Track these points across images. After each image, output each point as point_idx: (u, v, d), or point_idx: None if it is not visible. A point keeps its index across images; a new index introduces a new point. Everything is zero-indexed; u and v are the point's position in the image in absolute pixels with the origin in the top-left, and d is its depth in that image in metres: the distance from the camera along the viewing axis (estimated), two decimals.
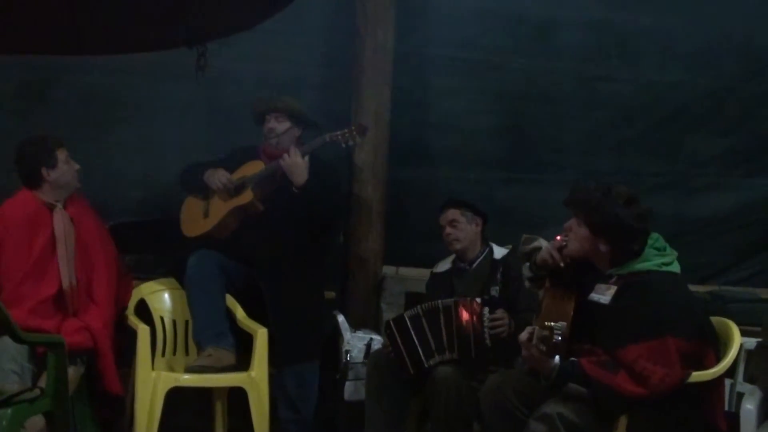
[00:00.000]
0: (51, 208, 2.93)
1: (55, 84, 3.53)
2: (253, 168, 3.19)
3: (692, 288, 2.49)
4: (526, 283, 2.56)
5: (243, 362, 2.96)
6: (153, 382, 2.82)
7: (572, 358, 2.21)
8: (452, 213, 3.03)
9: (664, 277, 2.27)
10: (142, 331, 2.91)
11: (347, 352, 3.13)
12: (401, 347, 2.80)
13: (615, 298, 2.27)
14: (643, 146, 3.77)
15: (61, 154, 2.94)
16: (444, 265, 3.11)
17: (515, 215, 3.64)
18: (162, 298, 3.17)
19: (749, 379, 2.53)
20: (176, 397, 2.85)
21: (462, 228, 3.01)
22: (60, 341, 2.45)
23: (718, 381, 2.26)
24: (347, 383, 3.10)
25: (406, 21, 3.57)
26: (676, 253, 2.34)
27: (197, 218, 3.25)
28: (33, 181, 2.93)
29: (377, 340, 3.16)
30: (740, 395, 2.54)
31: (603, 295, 2.30)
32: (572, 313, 2.30)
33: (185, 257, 3.10)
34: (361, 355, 3.13)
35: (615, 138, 3.76)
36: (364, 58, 3.50)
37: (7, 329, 2.29)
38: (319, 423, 3.14)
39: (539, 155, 3.78)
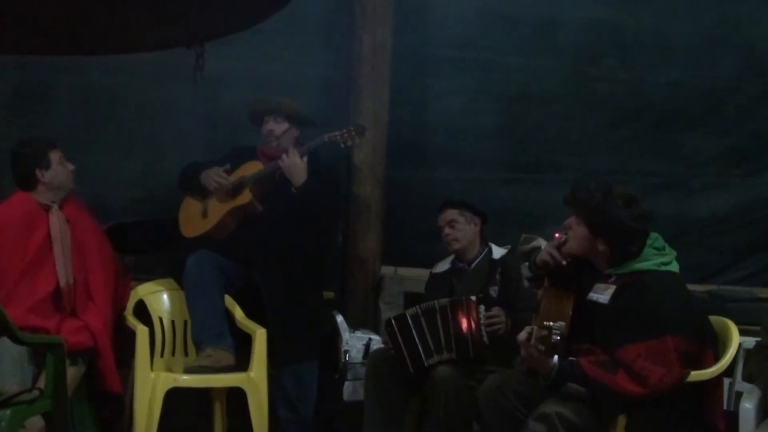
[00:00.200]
0: (47, 208, 2.93)
1: (54, 85, 3.52)
2: (252, 168, 3.19)
3: (691, 287, 2.48)
4: (525, 283, 2.55)
5: (242, 363, 2.96)
6: (152, 383, 2.82)
7: (571, 358, 2.21)
8: (451, 213, 3.03)
9: (663, 277, 2.27)
10: (141, 331, 2.91)
11: (346, 352, 3.13)
12: (402, 345, 2.80)
13: (614, 297, 2.26)
14: (642, 146, 3.77)
15: (55, 155, 2.95)
16: (443, 266, 3.11)
17: (514, 215, 3.63)
18: (161, 298, 3.17)
19: (748, 378, 2.53)
20: (175, 397, 2.85)
21: (461, 228, 3.01)
22: (59, 342, 2.45)
23: (716, 380, 2.26)
24: (346, 383, 3.09)
25: (404, 21, 3.56)
26: (675, 253, 2.34)
27: (196, 218, 3.25)
28: (27, 182, 2.94)
29: (376, 340, 3.16)
30: (739, 394, 2.54)
31: (602, 294, 2.30)
32: (571, 312, 2.30)
33: (184, 258, 3.09)
34: (360, 356, 3.12)
35: (614, 138, 3.76)
36: (362, 58, 3.50)
37: (6, 330, 2.28)
38: (318, 423, 3.13)
39: (538, 155, 3.77)
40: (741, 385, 2.60)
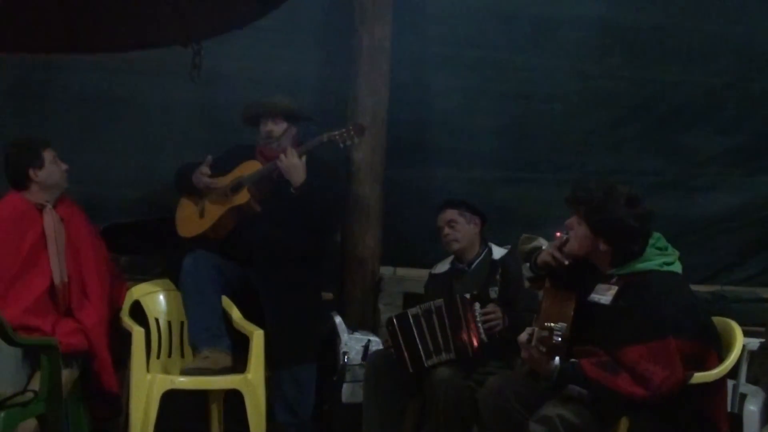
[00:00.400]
0: (40, 208, 2.93)
1: (50, 83, 3.52)
2: (250, 168, 3.18)
3: (694, 288, 2.46)
4: (526, 284, 2.55)
5: (239, 364, 2.95)
6: (148, 385, 2.81)
7: (573, 360, 2.20)
8: (450, 213, 3.03)
9: (665, 277, 2.26)
10: (137, 333, 2.90)
11: (345, 353, 3.14)
12: (402, 345, 2.80)
13: (616, 298, 2.25)
14: (644, 145, 3.76)
15: (48, 155, 2.94)
16: (442, 267, 3.11)
17: (514, 215, 3.63)
18: (157, 299, 3.16)
19: (752, 380, 2.52)
20: (172, 399, 2.84)
21: (460, 228, 3.01)
22: (53, 343, 2.45)
23: (720, 382, 2.24)
24: (345, 385, 3.10)
25: (404, 18, 3.56)
26: (677, 253, 2.33)
27: (193, 219, 3.24)
28: (20, 182, 2.93)
29: (375, 342, 3.17)
30: (743, 396, 2.54)
31: (603, 295, 2.29)
32: (572, 313, 2.29)
33: (180, 258, 3.07)
34: (359, 357, 3.13)
35: (615, 137, 3.76)
36: (361, 56, 3.49)
37: (0, 332, 2.27)
38: (316, 426, 3.13)
39: (538, 154, 3.77)
40: (745, 387, 2.60)
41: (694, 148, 3.78)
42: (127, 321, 2.99)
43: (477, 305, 2.76)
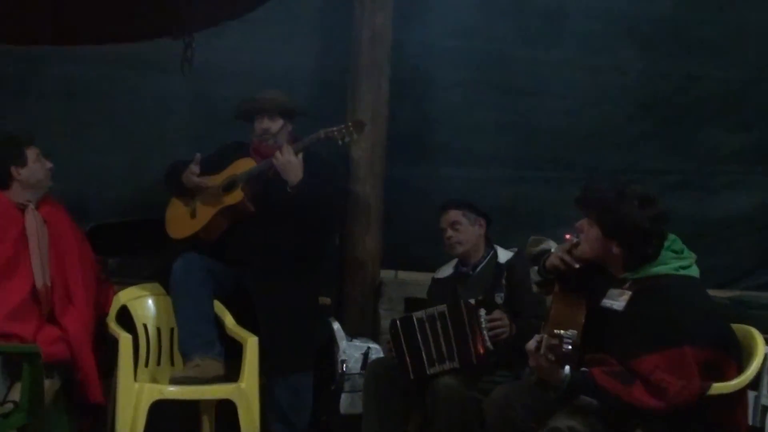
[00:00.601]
0: (22, 208, 2.92)
1: (33, 76, 3.51)
2: (244, 166, 3.18)
3: (712, 293, 2.45)
4: (534, 289, 2.54)
5: (232, 373, 2.95)
6: (136, 395, 2.80)
7: (583, 369, 2.18)
8: (453, 214, 3.01)
9: (681, 282, 2.25)
10: (124, 339, 2.89)
11: (343, 362, 3.13)
12: (404, 350, 2.80)
13: (629, 304, 2.23)
14: (659, 142, 3.77)
15: (32, 152, 2.95)
16: (446, 271, 3.10)
17: (521, 216, 3.64)
18: (145, 304, 3.16)
19: None
20: (161, 410, 2.84)
21: (464, 230, 2.99)
22: (36, 351, 2.44)
23: (740, 393, 2.22)
24: (343, 395, 3.10)
25: (405, 8, 3.55)
26: (694, 256, 2.32)
27: (184, 219, 3.23)
28: (2, 181, 2.93)
29: (375, 349, 3.16)
30: (765, 409, 2.53)
31: (616, 300, 2.27)
32: (583, 320, 2.27)
33: (171, 261, 3.08)
34: (358, 365, 3.13)
35: (628, 133, 3.76)
36: (360, 49, 3.49)
37: None
38: None
39: (547, 152, 3.78)
40: (767, 398, 2.56)
41: (712, 145, 3.77)
42: (114, 327, 2.99)
43: (482, 311, 2.75)
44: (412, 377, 2.77)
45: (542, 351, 2.14)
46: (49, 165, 2.97)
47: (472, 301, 2.76)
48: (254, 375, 2.91)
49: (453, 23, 3.60)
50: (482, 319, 2.74)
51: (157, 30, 2.69)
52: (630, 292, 2.25)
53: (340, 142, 3.10)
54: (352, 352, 3.15)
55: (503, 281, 2.90)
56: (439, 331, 2.77)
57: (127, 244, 3.42)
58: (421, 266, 3.42)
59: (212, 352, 2.94)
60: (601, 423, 2.14)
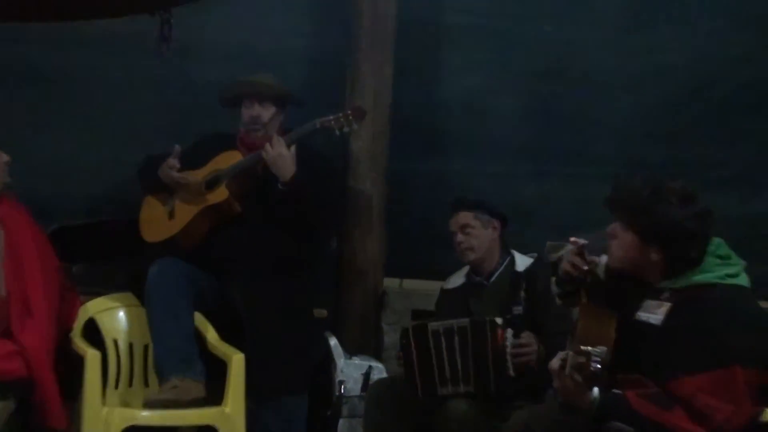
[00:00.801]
0: None
1: None
2: (229, 160, 3.19)
3: (764, 305, 2.45)
4: (557, 301, 2.53)
5: (214, 395, 2.94)
6: (104, 420, 2.79)
7: (615, 390, 2.17)
8: (464, 216, 3.00)
9: (728, 292, 2.22)
10: (92, 357, 2.89)
11: (341, 383, 3.13)
12: (415, 363, 2.79)
13: (668, 317, 2.21)
14: (701, 132, 3.75)
15: None
16: (456, 280, 3.09)
17: (543, 217, 3.64)
18: (116, 317, 3.16)
19: None
20: None
21: (476, 234, 2.99)
22: None
23: None
24: (341, 421, 3.09)
25: None
26: (743, 263, 2.30)
27: (160, 220, 3.24)
28: None
29: (377, 369, 3.16)
30: None
31: (653, 313, 2.25)
32: (614, 335, 2.24)
33: (145, 267, 3.07)
34: (358, 387, 3.12)
35: (665, 123, 3.74)
36: (361, 28, 3.50)
37: None
38: None
39: (573, 144, 3.76)
40: None
41: (763, 136, 3.76)
42: (79, 343, 2.98)
43: (509, 333, 2.73)
44: (420, 395, 2.77)
45: (568, 370, 2.11)
46: (5, 158, 2.97)
47: (499, 320, 2.74)
48: (240, 398, 2.90)
49: None
50: (508, 342, 2.72)
51: (131, 5, 2.68)
52: (669, 304, 2.23)
53: (337, 133, 3.10)
54: (351, 371, 3.15)
55: (522, 292, 2.90)
56: (457, 348, 2.76)
57: (96, 249, 3.43)
58: (431, 274, 3.41)
59: (192, 372, 2.93)
60: None
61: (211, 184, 3.14)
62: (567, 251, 2.41)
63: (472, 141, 3.72)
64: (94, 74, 3.55)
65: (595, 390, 2.12)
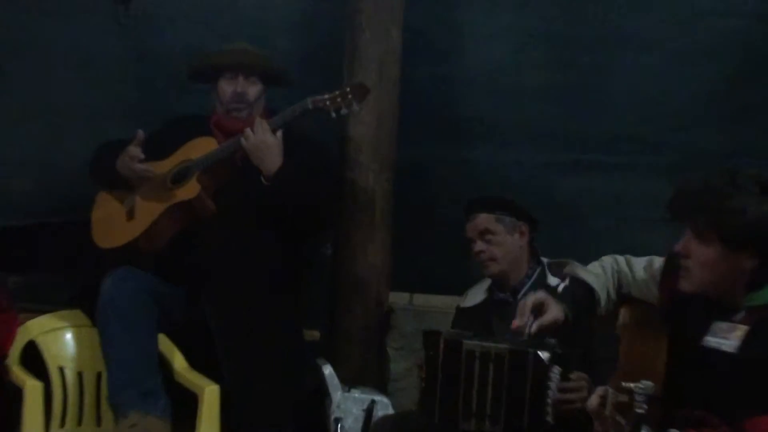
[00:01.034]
0: None
1: None
2: (202, 148, 3.19)
3: None
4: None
5: None
6: None
7: (673, 431, 2.14)
8: (483, 220, 2.97)
9: None
10: (31, 388, 2.89)
11: (337, 420, 3.12)
12: (438, 381, 2.71)
13: (745, 343, 2.19)
14: None
15: None
16: (475, 296, 3.05)
17: (581, 216, 3.65)
18: (62, 339, 3.16)
19: None
20: None
21: (499, 241, 2.95)
22: None
23: None
24: None
25: None
26: None
27: (117, 221, 3.23)
28: None
29: (382, 404, 3.14)
30: None
31: (725, 338, 2.22)
32: (665, 365, 2.27)
33: (98, 279, 3.05)
34: (359, 426, 3.10)
35: (734, 102, 3.69)
36: None
37: None
38: None
39: (620, 129, 3.73)
40: None
41: None
42: (17, 371, 2.99)
43: (556, 369, 2.63)
44: (436, 421, 2.70)
45: (608, 411, 2.11)
46: None
47: (546, 355, 2.65)
48: None
49: None
50: (552, 382, 2.63)
51: None
52: (746, 327, 2.21)
53: (333, 115, 3.08)
54: (350, 406, 3.13)
55: None
56: (490, 377, 2.67)
57: (37, 257, 3.46)
58: (446, 288, 3.39)
59: (155, 407, 2.90)
60: None
61: (180, 177, 3.15)
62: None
63: (496, 124, 3.72)
64: (37, 44, 3.57)
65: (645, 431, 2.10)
